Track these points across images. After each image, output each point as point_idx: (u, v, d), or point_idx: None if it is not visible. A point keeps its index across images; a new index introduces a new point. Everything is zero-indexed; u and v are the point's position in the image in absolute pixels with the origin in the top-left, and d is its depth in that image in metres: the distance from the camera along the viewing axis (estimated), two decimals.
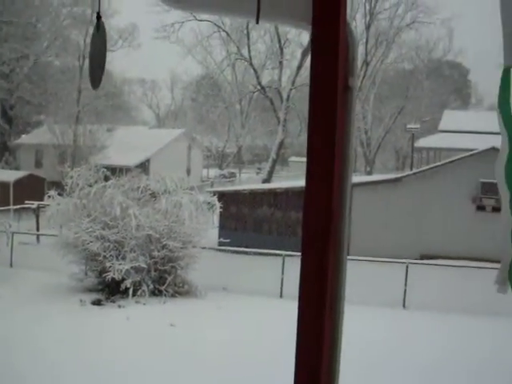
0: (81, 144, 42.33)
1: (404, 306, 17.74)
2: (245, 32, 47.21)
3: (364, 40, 54.79)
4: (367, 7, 54.61)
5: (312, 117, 1.85)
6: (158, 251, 17.61)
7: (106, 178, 19.58)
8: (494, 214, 23.11)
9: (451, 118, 49.58)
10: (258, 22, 1.98)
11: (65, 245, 18.18)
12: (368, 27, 54.84)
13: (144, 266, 17.33)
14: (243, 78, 58.12)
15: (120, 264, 17.05)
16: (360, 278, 16.43)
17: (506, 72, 2.08)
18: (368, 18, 54.77)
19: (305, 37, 45.62)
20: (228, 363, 12.13)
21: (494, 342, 13.98)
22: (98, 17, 2.21)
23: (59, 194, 19.21)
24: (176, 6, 2.25)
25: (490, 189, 22.78)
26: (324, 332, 1.90)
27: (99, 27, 2.23)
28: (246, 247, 21.83)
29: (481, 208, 24.01)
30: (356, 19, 54.02)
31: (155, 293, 17.56)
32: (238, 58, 50.40)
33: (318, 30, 1.85)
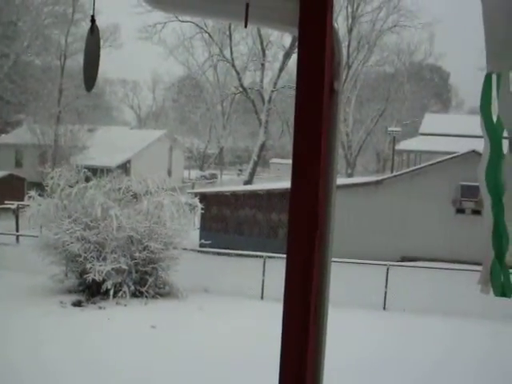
0: (62, 144, 42.10)
1: (384, 307, 17.83)
2: (227, 33, 47.22)
3: (346, 43, 55.00)
4: (349, 10, 54.87)
5: (298, 120, 1.87)
6: (140, 252, 17.56)
7: (87, 179, 19.49)
8: (474, 216, 23.32)
9: (432, 121, 49.90)
10: (246, 26, 2.00)
11: (45, 246, 18.06)
12: (350, 30, 55.07)
13: (125, 267, 17.28)
14: (225, 79, 58.14)
15: (101, 265, 16.98)
16: (341, 280, 16.48)
17: (488, 77, 2.11)
18: (350, 20, 55.01)
19: (287, 39, 45.73)
20: (209, 364, 12.12)
21: (472, 343, 14.10)
22: (93, 20, 2.21)
23: (40, 195, 19.09)
24: (160, 7, 2.25)
25: (469, 192, 22.95)
26: (309, 333, 1.92)
27: (93, 30, 2.23)
28: (228, 249, 21.83)
29: (461, 211, 24.20)
30: (338, 22, 54.27)
31: (136, 294, 17.50)
32: (220, 59, 50.39)
33: (305, 34, 1.87)
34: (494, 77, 2.09)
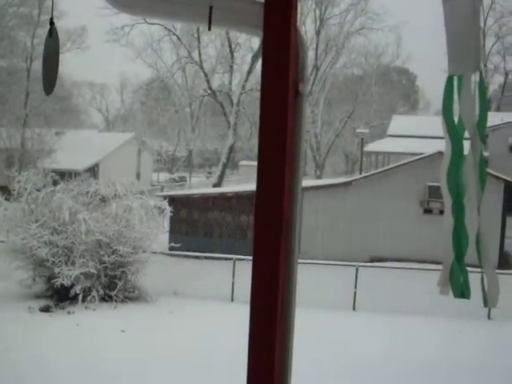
0: (28, 148, 41.55)
1: (354, 308, 17.93)
2: (195, 36, 47.09)
3: (314, 45, 55.24)
4: (317, 13, 55.08)
5: (263, 122, 1.88)
6: (108, 256, 17.43)
7: (55, 183, 19.29)
8: (441, 216, 23.46)
9: (399, 123, 50.34)
10: (209, 29, 2.00)
11: (12, 251, 17.84)
12: (318, 32, 55.30)
13: (94, 271, 17.14)
14: (193, 81, 57.94)
15: (69, 270, 16.82)
16: (310, 281, 16.56)
17: (449, 80, 2.14)
18: (318, 23, 55.24)
19: (255, 42, 45.79)
20: (180, 368, 12.08)
21: (438, 342, 14.26)
22: (51, 22, 2.19)
23: (6, 199, 18.86)
24: (126, 10, 2.25)
25: (436, 192, 23.17)
26: (276, 334, 1.93)
27: (52, 33, 2.21)
28: (197, 251, 21.76)
29: (428, 211, 24.44)
30: (306, 24, 54.50)
31: (105, 298, 17.38)
32: (189, 61, 50.22)
33: (269, 36, 1.89)
34: (456, 79, 2.13)
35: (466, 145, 2.14)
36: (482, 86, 2.10)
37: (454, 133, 2.15)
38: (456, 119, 2.15)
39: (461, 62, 2.10)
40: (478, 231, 2.14)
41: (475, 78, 2.10)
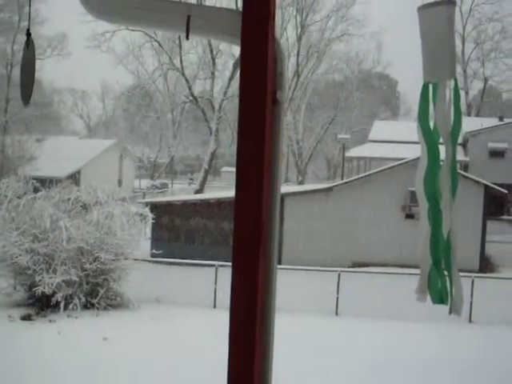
0: (9, 155, 41.24)
1: (337, 313, 17.97)
2: (177, 42, 47.08)
3: (295, 51, 55.43)
4: (298, 19, 55.28)
5: (241, 129, 1.90)
6: (90, 264, 17.34)
7: (36, 190, 19.18)
8: None
9: (381, 128, 50.60)
10: (187, 38, 2.01)
11: None
12: (299, 39, 55.50)
13: (75, 278, 17.04)
14: (175, 88, 57.89)
15: (50, 277, 16.71)
16: (293, 286, 16.59)
17: (425, 87, 2.17)
18: (299, 29, 55.45)
19: (237, 48, 45.72)
20: (162, 375, 12.04)
21: (420, 346, 14.33)
22: (28, 34, 2.19)
23: None
24: (104, 18, 2.26)
25: None
26: (255, 340, 1.94)
27: (29, 44, 2.21)
28: (179, 258, 21.71)
29: (410, 216, 24.56)
30: (287, 31, 54.69)
31: (87, 306, 17.27)
32: (170, 68, 50.20)
33: (247, 45, 1.90)
34: (431, 86, 2.16)
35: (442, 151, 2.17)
36: (457, 94, 2.13)
37: (429, 139, 2.17)
38: (432, 126, 2.18)
39: (436, 70, 2.13)
40: (448, 237, 2.16)
41: (450, 85, 2.13)
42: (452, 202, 2.15)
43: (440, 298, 2.21)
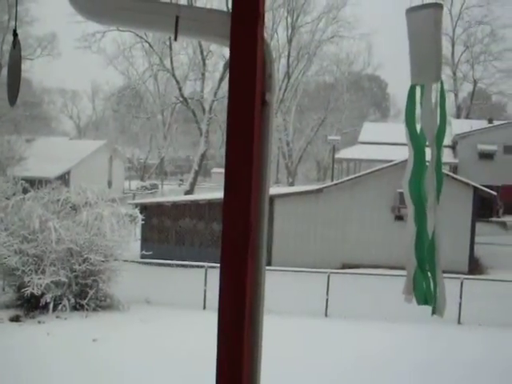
0: None
1: (326, 314, 17.99)
2: (167, 43, 46.98)
3: (286, 53, 55.49)
4: (289, 20, 55.35)
5: (230, 131, 1.90)
6: (79, 265, 17.29)
7: (25, 191, 19.11)
8: None
9: (370, 130, 50.76)
10: (176, 39, 2.01)
11: None
12: (290, 40, 55.57)
13: (65, 279, 16.99)
14: (165, 89, 57.84)
15: (39, 278, 16.64)
16: (283, 288, 16.61)
17: (412, 89, 2.18)
18: (290, 31, 55.51)
19: (227, 49, 45.73)
20: (152, 377, 12.02)
21: (410, 347, 14.37)
22: (15, 34, 2.18)
23: None
24: (93, 18, 2.25)
25: None
26: (244, 342, 1.94)
27: (16, 44, 2.20)
28: (169, 259, 21.68)
29: (399, 218, 24.62)
30: (278, 32, 54.75)
31: (76, 307, 17.22)
32: (161, 69, 50.13)
33: (236, 47, 1.90)
34: (418, 89, 2.17)
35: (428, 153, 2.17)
36: (442, 96, 2.14)
37: (415, 141, 2.18)
38: (418, 128, 2.19)
39: (422, 72, 2.14)
40: (432, 239, 2.17)
41: (437, 87, 2.14)
42: (436, 203, 2.16)
43: (425, 299, 2.23)
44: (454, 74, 67.30)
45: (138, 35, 46.59)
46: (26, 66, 51.51)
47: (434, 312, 2.21)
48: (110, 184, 50.26)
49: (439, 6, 2.11)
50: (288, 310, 16.84)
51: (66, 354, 13.52)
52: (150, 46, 47.98)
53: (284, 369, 11.97)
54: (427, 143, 2.18)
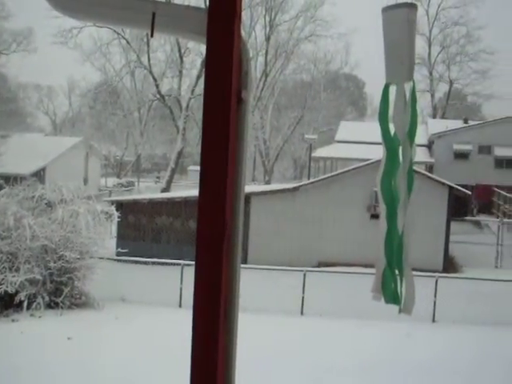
0: None
1: (302, 313, 18.03)
2: (145, 40, 46.80)
3: (264, 51, 55.54)
4: (267, 19, 55.40)
5: (205, 129, 1.89)
6: (54, 262, 17.16)
7: (0, 187, 18.92)
8: None
9: (347, 129, 50.97)
10: (152, 35, 2.00)
11: None
12: (268, 39, 55.63)
13: (39, 277, 16.85)
14: (142, 86, 57.63)
15: (13, 276, 16.49)
16: (259, 286, 16.63)
17: (386, 88, 2.19)
18: (268, 29, 55.57)
19: (205, 47, 45.62)
20: (126, 375, 11.97)
21: (385, 345, 14.46)
22: None
23: None
24: (69, 14, 2.23)
25: None
26: (218, 340, 1.94)
27: None
28: (145, 257, 21.60)
29: (375, 216, 24.72)
30: (256, 30, 54.78)
31: (51, 305, 17.09)
32: (138, 65, 49.95)
33: (212, 44, 1.90)
34: (393, 88, 2.18)
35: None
36: (414, 96, 2.15)
37: (388, 140, 2.20)
38: (392, 127, 2.20)
39: (396, 71, 2.15)
40: (401, 237, 2.18)
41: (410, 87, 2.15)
42: (407, 202, 2.17)
43: (393, 297, 2.24)
44: (431, 74, 67.85)
45: (115, 31, 46.33)
46: (1, 60, 51.11)
47: (400, 310, 2.23)
48: (85, 181, 49.94)
49: (413, 6, 2.13)
50: (264, 308, 16.87)
51: (40, 352, 13.41)
52: (128, 42, 47.76)
53: (259, 367, 11.98)
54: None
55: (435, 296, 17.31)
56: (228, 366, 2.03)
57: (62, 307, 17.03)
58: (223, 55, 1.88)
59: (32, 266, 16.91)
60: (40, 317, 16.39)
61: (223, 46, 1.89)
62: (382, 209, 2.24)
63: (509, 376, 12.74)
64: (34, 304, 16.73)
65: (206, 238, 1.89)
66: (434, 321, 17.36)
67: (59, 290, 17.36)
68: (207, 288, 1.90)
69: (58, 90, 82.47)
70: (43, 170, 45.76)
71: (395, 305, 2.26)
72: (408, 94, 2.14)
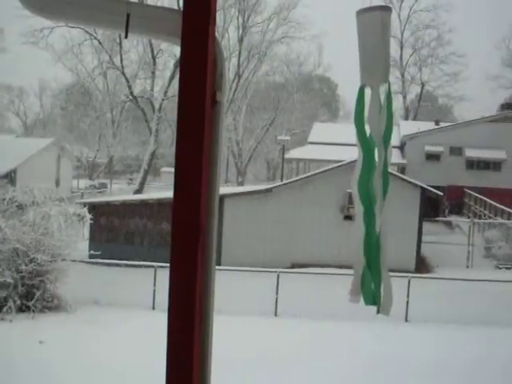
0: None
1: (276, 314, 18.05)
2: (117, 41, 46.53)
3: (237, 53, 55.54)
4: (240, 20, 55.45)
5: (180, 130, 1.89)
6: (26, 265, 16.97)
7: None
8: None
9: (320, 131, 51.15)
10: (126, 37, 1.99)
11: None
12: (241, 40, 55.66)
13: (10, 280, 16.65)
14: (115, 87, 57.29)
15: None
16: (232, 287, 16.61)
17: (361, 90, 2.20)
18: (241, 31, 55.61)
19: (178, 48, 45.50)
20: (99, 378, 11.88)
21: (357, 345, 14.54)
22: None
23: None
24: (41, 14, 2.20)
25: None
26: (194, 341, 1.93)
27: None
28: (118, 259, 21.45)
29: (348, 217, 24.84)
30: (229, 32, 54.77)
31: (23, 309, 16.89)
32: (110, 66, 49.65)
33: (187, 46, 1.89)
34: (368, 90, 2.19)
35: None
36: (389, 98, 2.17)
37: (364, 142, 2.21)
38: (368, 129, 2.21)
39: (371, 74, 2.17)
40: (378, 238, 2.19)
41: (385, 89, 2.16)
42: (382, 203, 2.18)
43: (373, 299, 2.25)
44: (403, 76, 68.47)
45: (87, 32, 45.99)
46: None
47: (379, 311, 2.24)
48: (57, 183, 49.47)
49: (387, 9, 2.14)
50: (238, 310, 16.84)
51: (11, 356, 13.25)
52: (100, 43, 47.46)
53: (233, 368, 11.96)
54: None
55: (408, 296, 17.43)
56: (203, 367, 2.03)
57: (33, 311, 16.85)
58: (198, 57, 1.88)
59: (3, 270, 16.71)
60: (11, 320, 16.19)
61: (198, 47, 1.89)
62: (358, 210, 2.25)
63: (477, 373, 12.87)
64: (5, 308, 16.53)
65: (180, 239, 1.89)
66: (406, 320, 17.48)
67: (31, 294, 17.17)
68: (182, 289, 1.89)
69: (29, 90, 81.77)
70: (14, 171, 45.24)
71: (374, 306, 2.27)
72: (383, 96, 2.16)
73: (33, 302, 16.94)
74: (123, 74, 47.60)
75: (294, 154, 48.57)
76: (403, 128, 47.11)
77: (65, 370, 12.32)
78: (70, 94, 59.65)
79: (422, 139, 44.45)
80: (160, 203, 25.64)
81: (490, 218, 32.22)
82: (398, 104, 67.18)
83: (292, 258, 24.69)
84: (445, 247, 27.44)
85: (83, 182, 63.87)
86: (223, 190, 27.68)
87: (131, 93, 47.87)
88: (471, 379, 12.65)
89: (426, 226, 26.70)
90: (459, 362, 13.49)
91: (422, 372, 12.87)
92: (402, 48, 67.73)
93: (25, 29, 46.97)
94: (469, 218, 33.12)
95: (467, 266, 26.05)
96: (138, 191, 43.70)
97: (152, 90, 49.22)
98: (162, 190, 45.96)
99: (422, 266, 24.83)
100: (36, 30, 44.92)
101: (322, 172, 26.52)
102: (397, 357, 13.79)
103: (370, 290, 2.24)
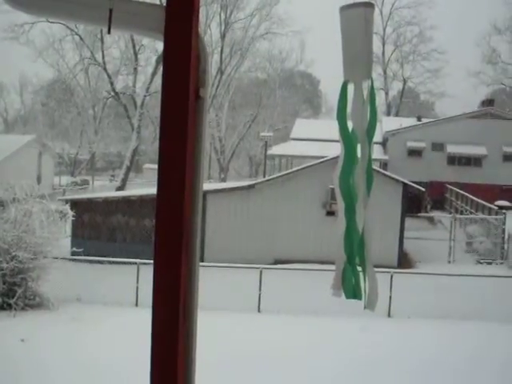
0: None
1: (259, 310, 18.08)
2: (99, 36, 46.33)
3: (219, 49, 55.47)
4: (222, 16, 55.38)
5: (163, 126, 1.88)
6: (7, 263, 16.86)
7: None
8: None
9: (303, 127, 51.27)
10: (109, 32, 1.98)
11: None
12: (223, 36, 55.61)
13: None
14: (97, 83, 57.03)
15: None
16: (215, 284, 16.61)
17: (344, 85, 2.21)
18: (223, 27, 55.55)
19: (160, 43, 45.25)
20: (84, 376, 11.83)
21: (341, 340, 14.60)
22: None
23: None
24: (21, 8, 2.16)
25: None
26: (178, 338, 1.93)
27: None
28: (101, 256, 21.39)
29: (330, 213, 24.91)
30: (211, 28, 54.68)
31: (4, 307, 16.79)
32: (92, 62, 49.40)
33: (170, 41, 1.89)
34: (351, 86, 2.20)
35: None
36: (372, 94, 2.18)
37: (347, 138, 2.22)
38: (350, 124, 2.22)
39: (353, 70, 2.18)
40: (362, 234, 2.21)
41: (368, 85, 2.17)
42: (367, 199, 2.20)
43: (353, 293, 2.27)
44: (385, 72, 68.76)
45: (68, 27, 45.74)
46: None
47: (365, 306, 2.26)
48: (39, 179, 49.16)
49: (370, 5, 2.15)
50: (221, 306, 16.84)
51: None
52: (81, 38, 47.19)
53: (218, 365, 11.97)
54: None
55: (390, 291, 17.53)
56: (188, 364, 2.02)
57: (15, 308, 16.75)
58: (181, 52, 1.88)
59: None
60: None
61: (181, 43, 1.88)
62: (340, 206, 2.26)
63: (463, 369, 12.97)
64: None
65: (164, 235, 1.88)
66: (389, 316, 17.57)
67: (12, 291, 17.06)
68: (166, 286, 1.89)
69: (9, 86, 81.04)
70: None
71: (356, 300, 2.28)
72: (366, 92, 2.17)
73: (14, 299, 16.84)
74: (105, 69, 47.42)
75: (277, 150, 48.66)
76: (385, 124, 47.36)
77: (47, 368, 12.26)
78: (51, 90, 59.29)
79: (404, 135, 44.70)
80: (142, 200, 25.58)
81: (471, 213, 32.46)
82: (380, 100, 67.56)
83: (275, 254, 24.72)
84: (427, 243, 27.61)
85: (65, 179, 63.53)
86: (206, 186, 27.64)
87: (113, 89, 47.70)
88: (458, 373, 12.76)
89: (409, 221, 26.85)
90: (447, 356, 13.59)
91: (408, 366, 12.94)
92: (384, 44, 68.07)
93: (5, 24, 46.64)
94: (451, 213, 33.33)
95: (449, 261, 26.23)
96: (120, 188, 43.57)
97: (134, 86, 49.08)
98: (145, 186, 45.87)
99: (404, 261, 24.98)
100: (16, 25, 44.61)
101: (304, 168, 26.57)
102: (380, 352, 13.85)
103: (351, 284, 2.26)
